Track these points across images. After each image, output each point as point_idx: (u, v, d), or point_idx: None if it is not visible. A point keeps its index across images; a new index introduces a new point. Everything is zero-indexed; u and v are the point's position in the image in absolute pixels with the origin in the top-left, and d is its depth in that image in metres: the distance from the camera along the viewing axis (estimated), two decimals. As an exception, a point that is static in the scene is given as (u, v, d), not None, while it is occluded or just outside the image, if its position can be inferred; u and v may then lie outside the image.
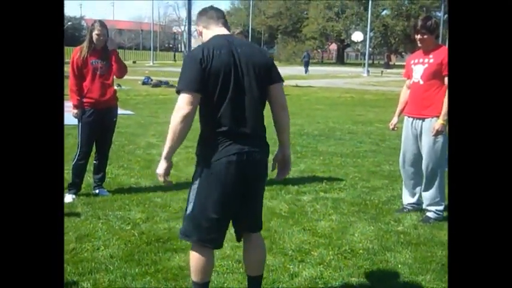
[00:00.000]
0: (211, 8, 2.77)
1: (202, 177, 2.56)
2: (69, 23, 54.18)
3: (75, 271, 3.25)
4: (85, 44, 4.80)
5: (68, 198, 4.82)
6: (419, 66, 4.40)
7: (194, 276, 2.70)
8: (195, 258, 2.68)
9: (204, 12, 2.72)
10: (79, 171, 4.92)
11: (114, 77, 5.01)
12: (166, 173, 2.57)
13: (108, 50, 4.85)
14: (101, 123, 4.90)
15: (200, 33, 2.72)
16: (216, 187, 2.52)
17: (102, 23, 4.85)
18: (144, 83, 21.24)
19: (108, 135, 5.08)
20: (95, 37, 4.75)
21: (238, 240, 2.83)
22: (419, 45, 4.40)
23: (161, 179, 2.59)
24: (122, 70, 4.99)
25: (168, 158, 2.54)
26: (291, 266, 3.43)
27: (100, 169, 5.13)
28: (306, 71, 36.12)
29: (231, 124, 2.50)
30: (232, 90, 2.49)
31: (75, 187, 4.93)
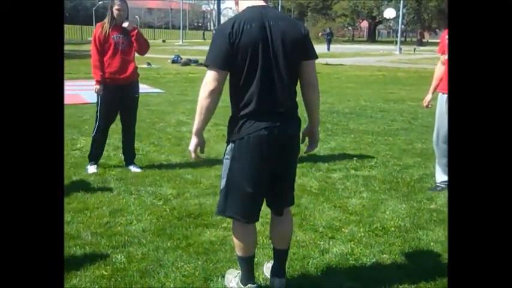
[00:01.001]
0: None
1: (234, 152, 2.54)
2: (100, 2, 54.60)
3: (109, 244, 3.32)
4: (106, 20, 4.84)
5: (91, 169, 5.00)
6: (454, 41, 4.28)
7: (238, 251, 2.72)
8: (235, 233, 2.70)
9: None
10: (97, 143, 5.05)
11: (137, 54, 5.02)
12: (197, 149, 2.58)
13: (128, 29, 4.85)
14: (121, 99, 4.93)
15: (236, 3, 2.64)
16: (248, 162, 2.51)
17: None
18: (173, 62, 21.39)
19: (131, 111, 5.10)
20: (115, 12, 4.77)
21: (276, 214, 2.79)
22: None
23: (193, 155, 2.60)
24: (143, 47, 4.99)
25: (198, 134, 2.54)
26: (322, 242, 3.42)
27: (128, 146, 5.21)
28: (328, 48, 35.51)
29: (260, 102, 2.45)
30: (262, 66, 2.43)
31: (94, 158, 5.09)
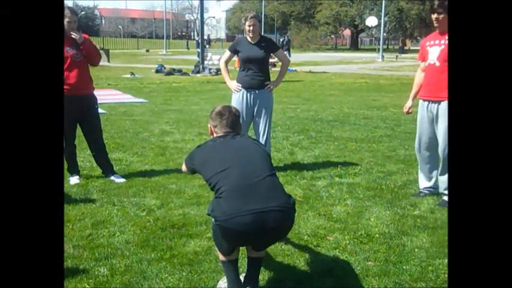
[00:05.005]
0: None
1: (215, 227, 2.63)
2: (82, 13, 54.37)
3: (92, 256, 3.27)
4: None
5: (74, 180, 4.98)
6: (435, 48, 4.32)
7: (220, 256, 2.76)
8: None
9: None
10: (68, 154, 4.99)
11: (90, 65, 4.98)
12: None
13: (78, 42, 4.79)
14: (80, 110, 4.88)
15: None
16: (227, 240, 2.63)
17: (72, 10, 4.82)
18: (157, 71, 21.30)
19: (92, 122, 5.05)
20: (66, 24, 4.69)
21: None
22: (435, 25, 4.31)
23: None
24: (94, 58, 4.96)
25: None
26: (307, 251, 3.41)
27: (101, 158, 5.18)
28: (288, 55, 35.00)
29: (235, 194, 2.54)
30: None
31: (72, 169, 5.08)
